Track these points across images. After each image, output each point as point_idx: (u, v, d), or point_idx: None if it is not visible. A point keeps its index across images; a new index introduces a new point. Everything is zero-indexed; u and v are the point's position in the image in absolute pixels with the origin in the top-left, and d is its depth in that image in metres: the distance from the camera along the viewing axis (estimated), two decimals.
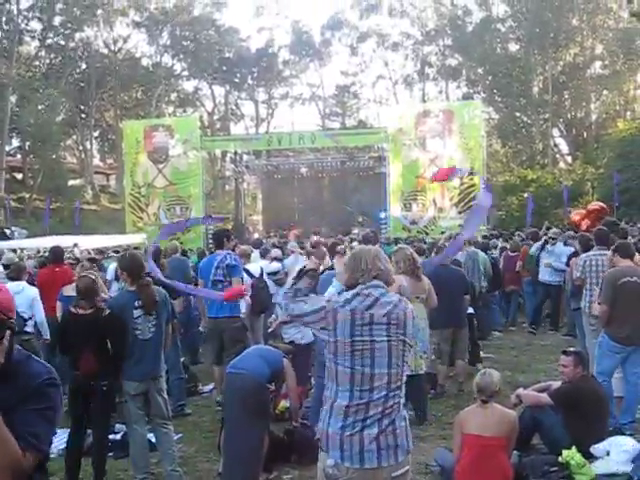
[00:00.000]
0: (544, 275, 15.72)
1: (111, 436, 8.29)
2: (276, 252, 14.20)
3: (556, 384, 7.82)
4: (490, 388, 6.66)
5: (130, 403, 7.13)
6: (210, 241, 30.15)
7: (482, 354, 12.86)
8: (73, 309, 7.38)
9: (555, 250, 15.65)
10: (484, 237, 20.00)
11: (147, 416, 7.34)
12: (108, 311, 7.21)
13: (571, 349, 7.98)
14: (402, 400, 4.26)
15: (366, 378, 4.15)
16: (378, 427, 4.10)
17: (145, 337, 7.08)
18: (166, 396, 7.36)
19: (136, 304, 7.08)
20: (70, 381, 7.35)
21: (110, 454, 7.97)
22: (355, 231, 33.72)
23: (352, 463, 4.07)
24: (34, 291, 10.59)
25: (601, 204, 25.01)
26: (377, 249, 4.66)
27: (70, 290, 9.96)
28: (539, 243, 16.31)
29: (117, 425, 8.57)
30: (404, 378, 4.28)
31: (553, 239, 15.97)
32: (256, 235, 32.09)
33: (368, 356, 4.16)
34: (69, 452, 7.28)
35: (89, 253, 18.61)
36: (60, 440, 7.71)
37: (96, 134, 62.25)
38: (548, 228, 21.32)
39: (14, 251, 21.00)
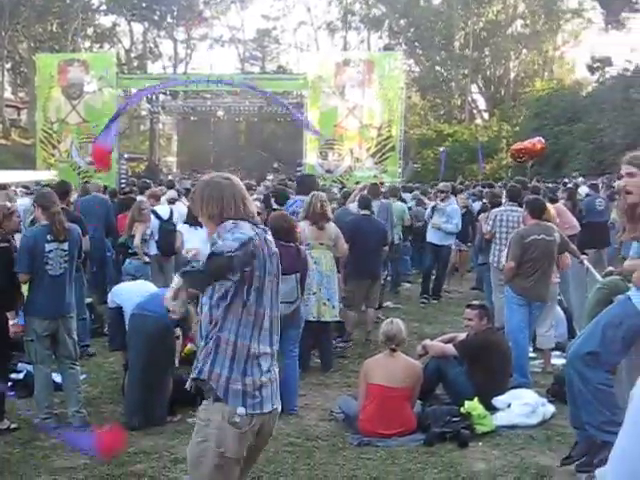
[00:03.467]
0: (432, 237, 13.96)
1: (13, 375, 8.18)
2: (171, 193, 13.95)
3: (462, 336, 7.92)
4: (398, 336, 6.74)
5: (36, 342, 6.95)
6: (122, 181, 29.67)
7: (391, 304, 12.98)
8: None
9: (447, 209, 13.78)
10: (402, 188, 19.53)
11: (54, 356, 7.20)
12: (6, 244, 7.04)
13: (476, 303, 8.13)
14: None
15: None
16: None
17: (56, 273, 6.94)
18: (75, 337, 7.23)
19: (48, 237, 6.92)
20: None
21: (12, 393, 7.82)
22: (270, 177, 33.63)
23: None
24: None
25: (543, 142, 25.02)
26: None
27: None
28: (430, 207, 14.49)
29: (19, 364, 8.39)
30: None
31: (442, 192, 14.29)
32: (170, 177, 31.66)
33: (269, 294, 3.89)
34: None
35: None
36: None
37: (8, 66, 60.27)
38: (461, 183, 21.47)
39: None
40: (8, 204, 7.67)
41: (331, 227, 9.26)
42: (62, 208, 7.56)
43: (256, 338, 3.78)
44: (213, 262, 3.60)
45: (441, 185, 15.24)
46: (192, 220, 10.53)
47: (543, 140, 24.79)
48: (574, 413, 5.64)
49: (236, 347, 3.72)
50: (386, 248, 11.42)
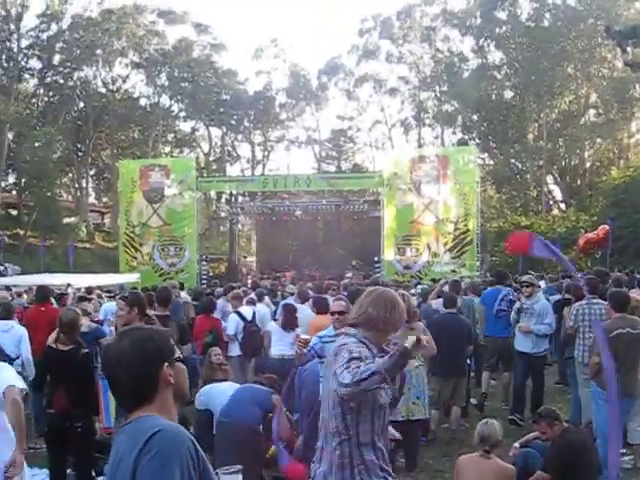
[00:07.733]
0: (522, 344, 11.64)
1: (100, 478, 8.19)
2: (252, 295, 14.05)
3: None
4: (493, 438, 6.58)
5: None
6: (204, 281, 30.23)
7: (474, 401, 12.72)
8: (53, 344, 7.26)
9: (535, 307, 11.65)
10: (482, 283, 18.87)
11: None
12: (86, 350, 7.15)
13: (540, 412, 7.75)
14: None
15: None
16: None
17: None
18: None
19: None
20: (46, 421, 7.24)
21: None
22: (349, 275, 33.72)
23: None
24: (22, 330, 10.45)
25: (606, 228, 25.26)
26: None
27: None
28: (514, 309, 12.10)
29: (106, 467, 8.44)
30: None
31: (528, 286, 11.88)
32: (249, 277, 32.10)
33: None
34: None
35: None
36: None
37: (92, 172, 62.49)
38: (541, 277, 21.18)
39: (7, 289, 20.77)
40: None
41: (419, 326, 9.09)
42: (166, 315, 7.72)
43: None
44: None
45: (525, 277, 13.02)
46: (287, 324, 10.71)
47: (607, 226, 25.03)
48: None
49: None
50: (471, 346, 11.29)
